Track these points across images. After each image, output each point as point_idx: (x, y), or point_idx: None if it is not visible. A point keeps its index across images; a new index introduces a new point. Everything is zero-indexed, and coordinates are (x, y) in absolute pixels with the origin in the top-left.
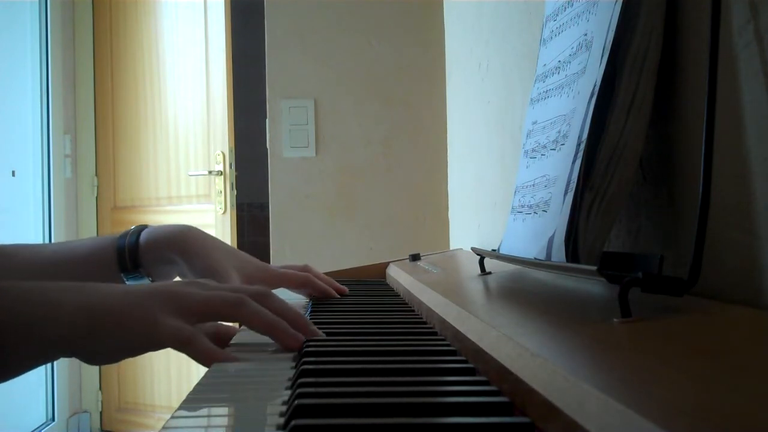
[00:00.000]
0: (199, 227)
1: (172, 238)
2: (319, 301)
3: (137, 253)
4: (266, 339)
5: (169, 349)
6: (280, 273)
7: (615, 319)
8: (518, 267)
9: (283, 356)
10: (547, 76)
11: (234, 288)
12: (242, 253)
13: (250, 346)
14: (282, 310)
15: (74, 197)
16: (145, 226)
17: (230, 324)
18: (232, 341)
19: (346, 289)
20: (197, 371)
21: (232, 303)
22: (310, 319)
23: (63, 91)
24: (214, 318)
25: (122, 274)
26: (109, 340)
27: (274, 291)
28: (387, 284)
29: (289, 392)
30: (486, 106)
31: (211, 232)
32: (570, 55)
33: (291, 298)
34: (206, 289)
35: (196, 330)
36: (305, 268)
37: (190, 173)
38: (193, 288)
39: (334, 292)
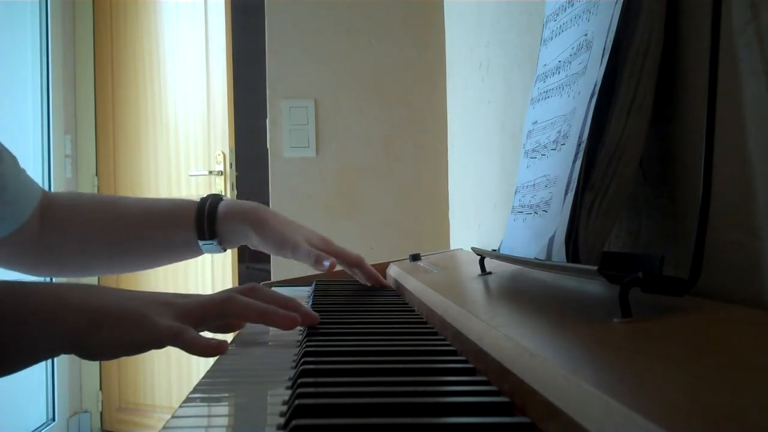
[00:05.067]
0: None
1: (247, 213)
2: (320, 300)
3: (215, 223)
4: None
5: (168, 350)
6: (337, 248)
7: (615, 319)
8: (518, 267)
9: (283, 356)
10: (547, 76)
11: (223, 291)
12: (307, 227)
13: (250, 347)
14: (271, 298)
15: None
16: (220, 197)
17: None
18: (232, 340)
19: (389, 284)
20: (197, 371)
21: (221, 301)
22: None
23: (63, 91)
24: (208, 319)
25: (199, 241)
26: (108, 337)
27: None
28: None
29: (289, 392)
30: (486, 106)
31: None
32: (570, 55)
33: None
34: (197, 298)
35: (187, 326)
36: (358, 255)
37: (191, 173)
38: (186, 298)
39: (383, 280)
